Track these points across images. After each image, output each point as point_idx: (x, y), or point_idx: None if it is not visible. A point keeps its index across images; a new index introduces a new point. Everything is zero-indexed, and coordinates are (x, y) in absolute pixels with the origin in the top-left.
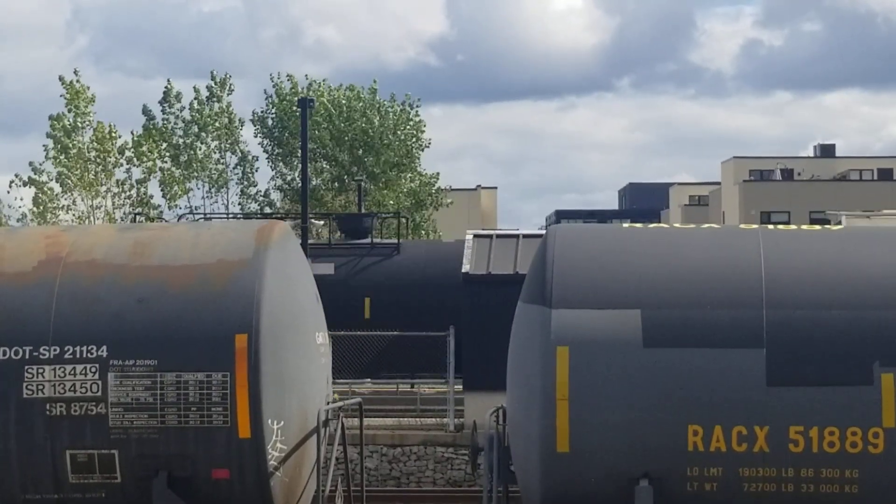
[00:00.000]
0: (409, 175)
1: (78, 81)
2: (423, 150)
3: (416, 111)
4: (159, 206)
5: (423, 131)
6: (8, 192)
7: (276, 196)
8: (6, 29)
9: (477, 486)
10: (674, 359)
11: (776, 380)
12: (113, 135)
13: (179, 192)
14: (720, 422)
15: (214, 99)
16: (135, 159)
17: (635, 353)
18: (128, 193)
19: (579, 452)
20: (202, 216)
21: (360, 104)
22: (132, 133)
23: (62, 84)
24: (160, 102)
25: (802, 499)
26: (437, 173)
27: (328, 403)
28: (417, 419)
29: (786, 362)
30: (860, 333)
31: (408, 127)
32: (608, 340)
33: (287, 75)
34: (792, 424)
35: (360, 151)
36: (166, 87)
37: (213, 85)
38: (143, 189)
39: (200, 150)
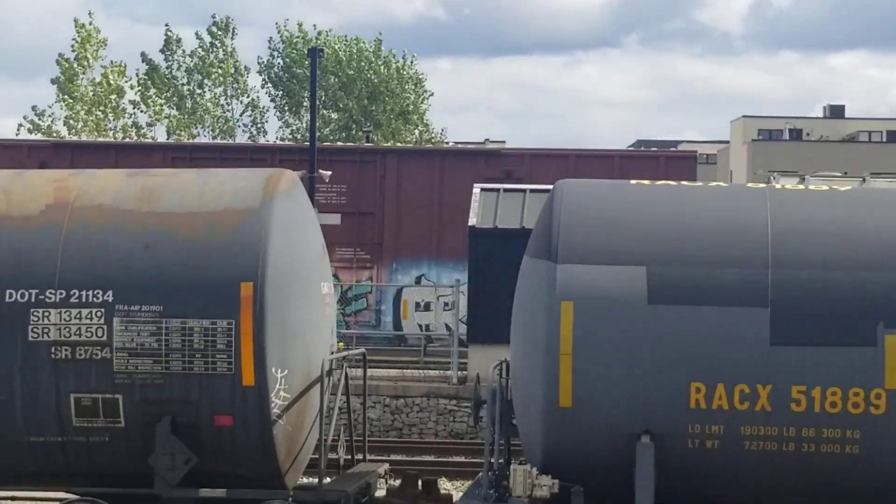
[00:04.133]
0: (415, 127)
1: (91, 23)
2: (425, 100)
3: (413, 64)
4: None
5: (422, 83)
6: (17, 135)
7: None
8: None
9: (479, 439)
10: (678, 316)
11: (779, 339)
12: (122, 71)
13: (185, 138)
14: (723, 380)
15: (218, 44)
16: (141, 104)
17: (639, 310)
18: (134, 139)
19: (581, 407)
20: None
21: (367, 54)
22: (136, 73)
23: (76, 26)
24: (161, 50)
25: (803, 458)
26: (444, 129)
27: (332, 353)
28: (421, 371)
29: (789, 322)
30: (865, 294)
31: (409, 76)
32: (613, 296)
33: (297, 23)
34: (794, 384)
35: (366, 101)
36: (167, 34)
37: (215, 30)
38: (149, 135)
39: (205, 97)
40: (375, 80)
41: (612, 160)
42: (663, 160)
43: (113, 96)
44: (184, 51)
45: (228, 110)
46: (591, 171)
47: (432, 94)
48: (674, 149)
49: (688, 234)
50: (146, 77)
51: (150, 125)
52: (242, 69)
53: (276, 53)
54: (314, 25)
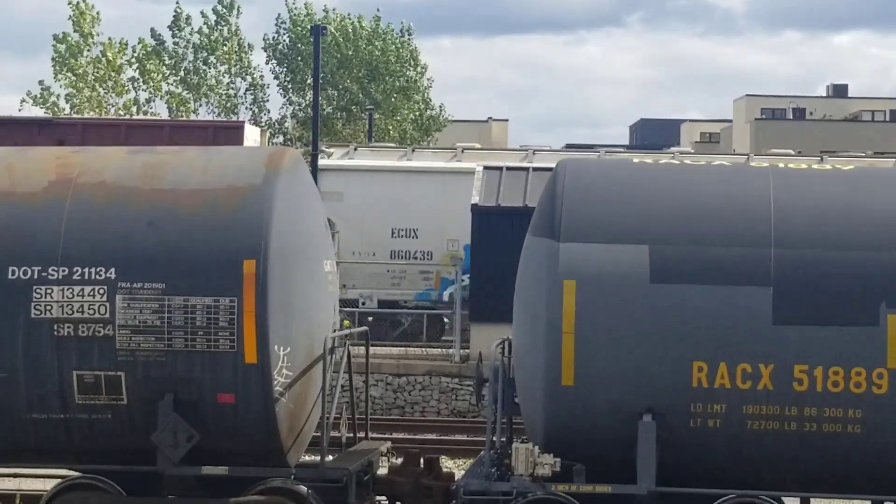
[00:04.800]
0: (414, 104)
1: (84, 1)
2: (421, 74)
3: (410, 38)
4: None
5: (417, 58)
6: (19, 110)
7: (289, 124)
8: None
9: (481, 417)
10: (680, 295)
11: (782, 318)
12: (122, 46)
13: (185, 114)
14: (725, 359)
15: (223, 23)
16: (140, 80)
17: (642, 289)
18: (133, 114)
19: (583, 386)
20: None
21: (365, 32)
22: (134, 49)
23: (69, 4)
24: (169, 27)
25: (805, 437)
26: (442, 105)
27: (335, 331)
28: (423, 349)
29: (792, 301)
30: (868, 274)
31: (406, 52)
32: (615, 275)
33: (304, 2)
34: (797, 363)
35: (366, 80)
36: (176, 11)
37: (220, 8)
38: (149, 111)
39: (209, 74)
40: (377, 54)
41: (163, 130)
42: (212, 130)
43: (112, 73)
44: (192, 28)
45: (233, 88)
46: (141, 140)
47: (427, 67)
48: (227, 119)
49: (690, 213)
50: (149, 52)
51: (149, 101)
52: (246, 46)
53: (282, 30)
54: (324, 6)
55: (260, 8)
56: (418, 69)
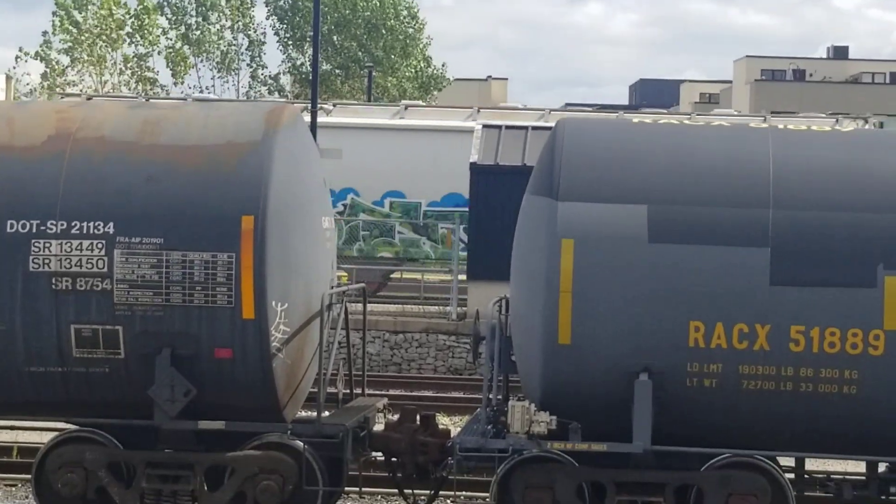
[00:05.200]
0: (413, 61)
1: None
2: (420, 31)
3: None
4: (165, 85)
5: (416, 14)
6: (14, 68)
7: (285, 80)
8: None
9: (477, 375)
10: (678, 255)
11: (779, 279)
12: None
13: (184, 70)
14: (722, 319)
15: None
16: (136, 35)
17: (640, 248)
18: (133, 69)
19: (580, 345)
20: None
21: None
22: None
23: None
24: None
25: (801, 398)
26: (444, 64)
27: (332, 288)
28: (420, 307)
29: (790, 262)
30: (866, 236)
31: (403, 7)
32: (613, 234)
33: None
34: (793, 324)
35: (365, 38)
36: None
37: None
38: (147, 65)
39: (210, 29)
40: (375, 2)
41: None
42: None
43: (113, 25)
44: None
45: (234, 44)
46: None
47: (425, 23)
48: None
49: (689, 174)
50: (148, 7)
51: (147, 55)
52: (249, 1)
53: None
54: None
55: None
56: (416, 25)
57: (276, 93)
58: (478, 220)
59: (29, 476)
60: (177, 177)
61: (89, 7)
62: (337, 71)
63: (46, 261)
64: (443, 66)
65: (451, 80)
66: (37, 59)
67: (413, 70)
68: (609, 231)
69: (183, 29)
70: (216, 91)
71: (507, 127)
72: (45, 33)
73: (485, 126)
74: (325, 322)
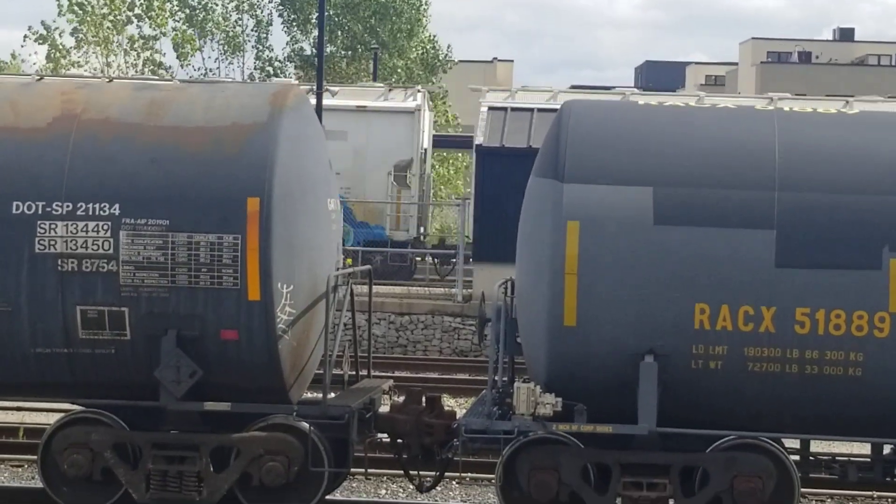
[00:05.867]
0: (419, 42)
1: None
2: (426, 12)
3: None
4: (171, 66)
5: None
6: (22, 47)
7: (290, 64)
8: None
9: (483, 357)
10: (684, 237)
11: (785, 261)
12: None
13: (191, 51)
14: (727, 301)
15: None
16: (144, 16)
17: (645, 231)
18: (139, 51)
19: (586, 327)
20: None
21: None
22: None
23: None
24: None
25: (806, 380)
26: (449, 46)
27: (338, 269)
28: (426, 288)
29: (795, 244)
30: (871, 218)
31: None
32: (619, 217)
33: None
34: (798, 306)
35: (373, 20)
36: None
37: None
38: (154, 46)
39: (216, 11)
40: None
41: None
42: None
43: (123, 7)
44: None
45: (240, 25)
46: None
47: (430, 4)
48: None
49: (695, 155)
50: None
51: (154, 38)
52: None
53: None
54: None
55: None
56: (422, 7)
57: (281, 74)
58: (483, 202)
59: (35, 457)
60: (182, 158)
61: None
62: (341, 53)
63: (52, 242)
64: (448, 48)
65: (457, 62)
66: (40, 41)
67: (419, 51)
68: (614, 213)
69: (187, 11)
70: (221, 73)
71: (513, 109)
72: (43, 22)
73: (490, 108)
74: (330, 304)
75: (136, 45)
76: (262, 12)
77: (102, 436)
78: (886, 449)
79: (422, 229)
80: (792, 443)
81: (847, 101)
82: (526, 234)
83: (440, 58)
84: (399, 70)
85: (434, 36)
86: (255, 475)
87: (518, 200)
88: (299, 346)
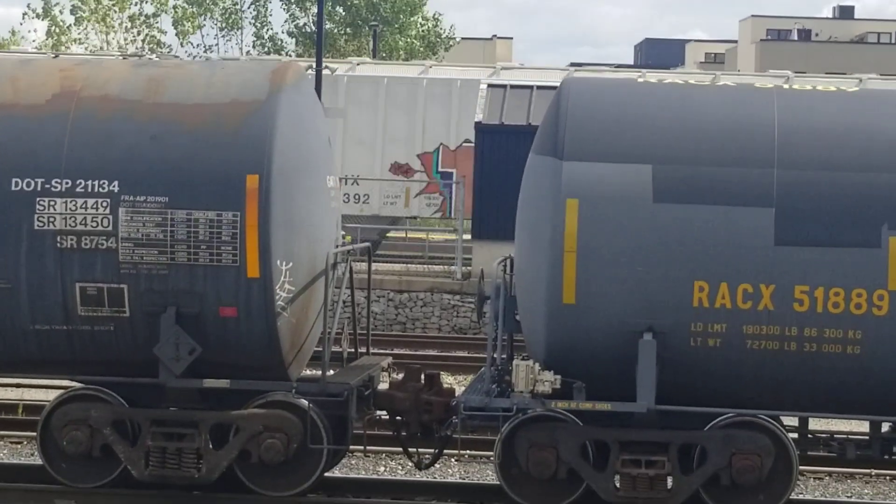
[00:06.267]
0: (420, 19)
1: None
2: None
3: None
4: (170, 45)
5: None
6: (21, 24)
7: (288, 40)
8: None
9: (482, 334)
10: (683, 215)
11: (784, 239)
12: None
13: (191, 29)
14: (726, 279)
15: None
16: None
17: (645, 208)
18: (139, 28)
19: (584, 304)
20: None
21: None
22: None
23: None
24: None
25: (805, 358)
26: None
27: (337, 247)
28: (425, 266)
29: (794, 222)
30: (871, 195)
31: None
32: (618, 194)
33: None
34: (797, 284)
35: None
36: None
37: None
38: (154, 23)
39: None
40: None
41: None
42: None
43: None
44: None
45: (236, 4)
46: None
47: None
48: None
49: (694, 133)
50: None
51: (155, 15)
52: None
53: None
54: None
55: None
56: None
57: (280, 52)
58: (482, 180)
59: (34, 433)
60: (181, 135)
61: None
62: (339, 30)
63: (51, 219)
64: (451, 27)
65: (459, 40)
66: (41, 18)
67: (421, 28)
68: (613, 191)
69: None
70: (219, 50)
71: (512, 86)
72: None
73: (490, 85)
74: (329, 281)
75: (136, 23)
76: None
77: (102, 413)
78: (885, 427)
79: None
80: (790, 420)
81: (860, 80)
82: (525, 212)
83: (442, 36)
84: (401, 48)
85: (438, 14)
86: (253, 452)
87: (517, 178)
88: (298, 324)
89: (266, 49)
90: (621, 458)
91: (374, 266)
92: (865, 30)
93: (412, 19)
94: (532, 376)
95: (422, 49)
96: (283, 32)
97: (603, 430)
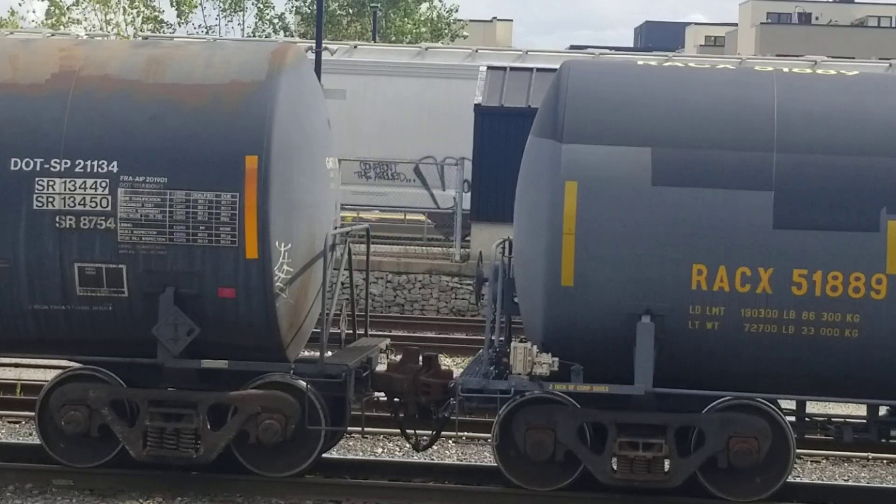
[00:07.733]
0: (427, 4)
1: None
2: None
3: None
4: (171, 24)
5: None
6: (20, 4)
7: (291, 19)
8: None
9: (480, 316)
10: (682, 198)
11: (783, 222)
12: None
13: (190, 8)
14: (724, 262)
15: None
16: None
17: (644, 191)
18: (139, 8)
19: (583, 287)
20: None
21: None
22: None
23: None
24: None
25: (803, 341)
26: (457, 7)
27: (336, 228)
28: (423, 248)
29: (793, 206)
30: (869, 179)
31: None
32: (617, 177)
33: None
34: (796, 267)
35: None
36: None
37: None
38: (153, 4)
39: None
40: None
41: None
42: None
43: None
44: None
45: None
46: None
47: None
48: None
49: (694, 116)
50: None
51: None
52: None
53: None
54: None
55: None
56: None
57: (282, 31)
58: (482, 162)
59: (32, 413)
60: (181, 116)
61: None
62: (342, 11)
63: (50, 199)
64: (457, 10)
65: (466, 23)
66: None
67: (434, 13)
68: (613, 173)
69: None
70: (221, 31)
71: (512, 69)
72: None
73: (489, 67)
74: (328, 262)
75: (135, 2)
76: None
77: (100, 393)
78: (882, 410)
79: None
80: (788, 404)
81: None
82: (524, 194)
83: (449, 22)
84: (408, 31)
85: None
86: (251, 433)
87: (517, 160)
88: (297, 305)
89: (271, 29)
90: (619, 441)
91: (373, 247)
92: (866, 13)
93: (419, 7)
94: (530, 358)
95: (427, 35)
96: (288, 12)
97: (600, 413)
